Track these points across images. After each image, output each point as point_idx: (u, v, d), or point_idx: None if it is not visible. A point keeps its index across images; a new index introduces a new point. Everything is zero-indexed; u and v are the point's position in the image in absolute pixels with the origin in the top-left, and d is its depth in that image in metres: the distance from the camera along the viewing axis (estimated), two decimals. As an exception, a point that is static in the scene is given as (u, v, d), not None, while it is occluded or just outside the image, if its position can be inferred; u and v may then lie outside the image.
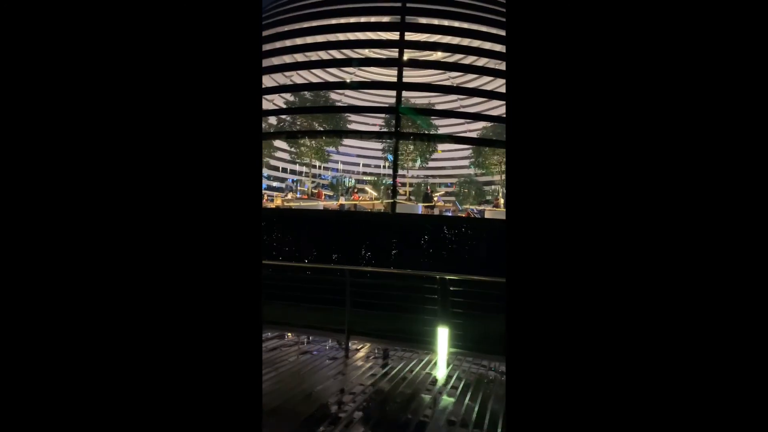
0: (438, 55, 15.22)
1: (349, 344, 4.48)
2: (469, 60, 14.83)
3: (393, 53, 14.01)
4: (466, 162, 16.72)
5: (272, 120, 14.59)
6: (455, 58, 15.02)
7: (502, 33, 13.17)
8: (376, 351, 4.38)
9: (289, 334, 4.86)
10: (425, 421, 2.76)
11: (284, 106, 14.37)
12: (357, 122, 16.60)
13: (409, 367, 3.80)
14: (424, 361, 3.98)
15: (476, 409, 2.95)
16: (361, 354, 4.29)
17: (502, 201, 13.81)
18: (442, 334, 4.21)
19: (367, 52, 15.24)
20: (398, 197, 12.64)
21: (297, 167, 17.29)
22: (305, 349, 4.40)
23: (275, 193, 15.30)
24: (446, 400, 3.10)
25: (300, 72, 15.14)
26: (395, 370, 3.70)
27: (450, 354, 4.20)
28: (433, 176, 18.28)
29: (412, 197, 15.90)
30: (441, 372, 3.75)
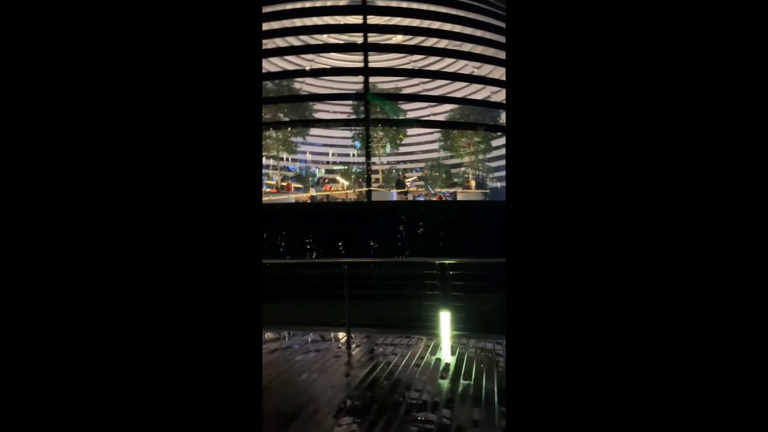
0: (399, 39, 15.05)
1: (351, 336, 4.43)
2: (430, 42, 14.79)
3: (354, 38, 13.71)
4: (434, 146, 16.82)
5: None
6: (416, 40, 14.93)
7: (462, 14, 13.21)
8: (380, 341, 4.35)
9: (289, 331, 4.73)
10: (451, 398, 2.83)
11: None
12: (323, 111, 16.21)
13: (419, 353, 3.81)
14: (431, 346, 4.00)
15: (495, 388, 3.01)
16: (365, 345, 4.25)
17: (473, 183, 14.09)
18: (446, 319, 4.24)
19: (326, 38, 14.78)
20: (371, 185, 12.55)
21: (263, 160, 16.70)
22: (308, 347, 4.30)
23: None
24: (463, 383, 3.13)
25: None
26: (406, 358, 3.69)
27: (455, 336, 4.25)
28: (403, 162, 18.29)
29: (384, 184, 15.86)
30: (451, 356, 3.79)
